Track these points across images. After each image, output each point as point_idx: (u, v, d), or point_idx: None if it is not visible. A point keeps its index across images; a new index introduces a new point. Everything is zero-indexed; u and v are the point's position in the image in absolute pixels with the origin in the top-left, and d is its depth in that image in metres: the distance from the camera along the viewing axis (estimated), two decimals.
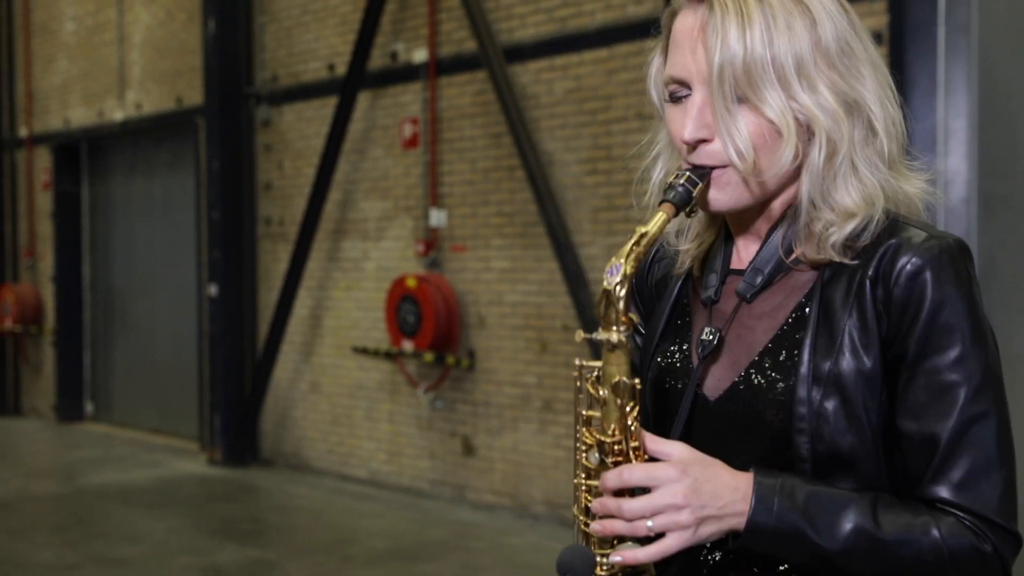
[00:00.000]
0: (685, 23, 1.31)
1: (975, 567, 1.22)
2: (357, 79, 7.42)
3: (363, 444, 7.83)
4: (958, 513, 1.22)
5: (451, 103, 7.13)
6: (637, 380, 1.24)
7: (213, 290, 8.46)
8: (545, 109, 6.49)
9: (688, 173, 1.28)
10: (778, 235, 1.33)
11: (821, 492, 1.23)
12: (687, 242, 1.43)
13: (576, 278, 6.16)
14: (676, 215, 1.27)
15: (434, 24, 7.17)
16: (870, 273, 1.26)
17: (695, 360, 1.37)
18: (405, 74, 7.37)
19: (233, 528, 6.63)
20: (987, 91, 4.82)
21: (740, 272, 1.36)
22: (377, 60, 7.49)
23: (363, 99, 7.60)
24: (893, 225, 1.27)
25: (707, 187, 1.29)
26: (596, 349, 1.31)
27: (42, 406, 11.15)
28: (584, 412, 1.29)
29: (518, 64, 6.60)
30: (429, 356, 7.04)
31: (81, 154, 10.94)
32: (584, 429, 1.28)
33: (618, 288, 1.22)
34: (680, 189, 1.27)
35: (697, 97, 1.28)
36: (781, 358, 1.30)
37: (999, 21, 4.83)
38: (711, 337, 1.35)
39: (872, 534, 1.21)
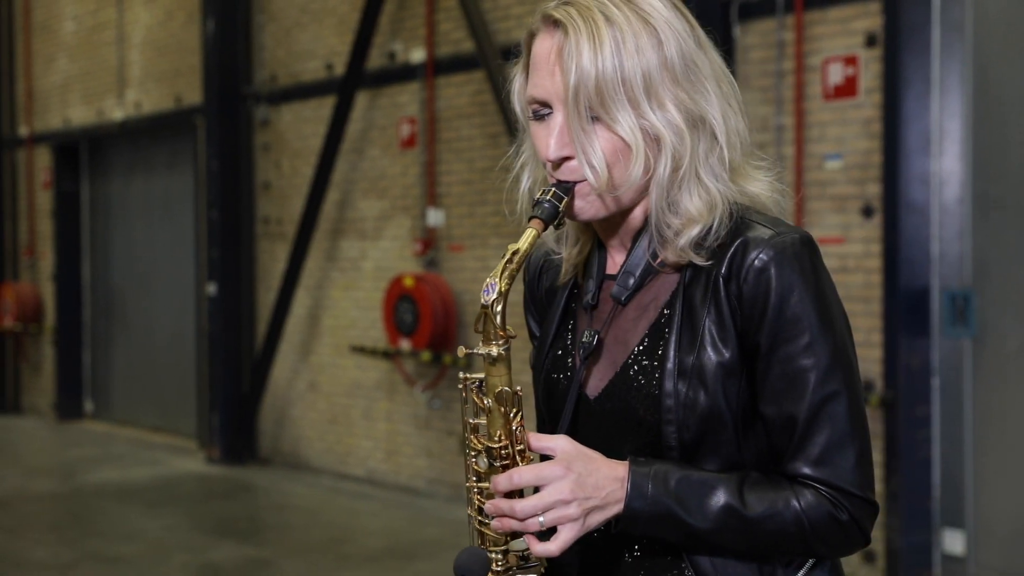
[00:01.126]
0: (543, 46, 1.38)
1: (835, 534, 1.33)
2: (355, 79, 7.43)
3: (360, 443, 7.84)
4: (817, 486, 1.32)
5: (449, 103, 7.14)
6: (519, 388, 1.34)
7: (212, 289, 8.47)
8: None
9: (553, 188, 1.36)
10: (644, 240, 1.41)
11: (691, 475, 1.33)
12: (567, 248, 1.51)
13: None
14: (545, 229, 1.35)
15: (432, 24, 7.18)
16: (723, 271, 1.35)
17: (578, 362, 1.45)
18: (403, 74, 7.38)
19: (230, 526, 6.64)
20: (981, 92, 4.82)
21: (614, 277, 1.45)
22: (375, 60, 7.50)
23: (361, 99, 7.61)
24: (741, 224, 1.36)
25: (572, 199, 1.37)
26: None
27: (42, 404, 11.17)
28: (471, 420, 1.37)
29: (516, 64, 6.59)
30: (426, 355, 7.05)
31: (81, 153, 10.94)
32: (472, 436, 1.37)
33: (495, 305, 1.32)
34: (547, 205, 1.36)
35: (558, 117, 1.36)
36: (651, 355, 1.39)
37: (993, 22, 4.83)
38: (590, 339, 1.43)
39: (739, 511, 1.31)
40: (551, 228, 1.38)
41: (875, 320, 4.98)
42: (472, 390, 1.37)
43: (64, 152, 10.91)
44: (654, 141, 1.35)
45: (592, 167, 1.35)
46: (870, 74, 5.02)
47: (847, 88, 5.09)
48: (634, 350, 1.41)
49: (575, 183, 1.37)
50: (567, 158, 1.37)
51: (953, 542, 4.92)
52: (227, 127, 8.44)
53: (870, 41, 5.00)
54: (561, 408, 1.47)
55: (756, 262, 1.33)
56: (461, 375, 1.39)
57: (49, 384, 11.02)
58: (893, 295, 4.89)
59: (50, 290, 11.02)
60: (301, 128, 8.21)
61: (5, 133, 11.51)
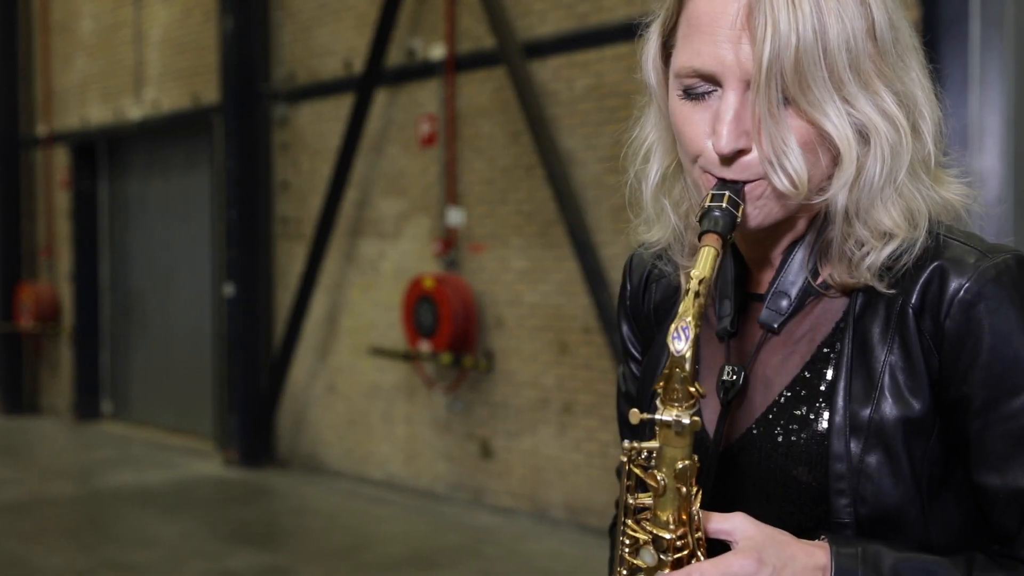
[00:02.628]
0: (718, 2, 1.07)
1: None
2: (374, 76, 7.33)
3: (379, 446, 7.73)
4: None
5: (469, 100, 7.02)
6: (696, 457, 1.04)
7: (229, 290, 8.38)
8: (565, 106, 6.37)
9: (727, 193, 1.06)
10: (801, 252, 1.13)
11: (910, 560, 1.06)
12: (685, 259, 1.21)
13: (596, 278, 6.04)
14: (725, 246, 1.05)
15: (452, 20, 7.06)
16: (913, 302, 1.07)
17: (707, 404, 1.17)
18: (423, 71, 7.26)
19: (247, 532, 6.54)
20: (1022, 87, 4.67)
21: (759, 297, 1.16)
22: (394, 57, 7.39)
23: (380, 96, 7.50)
24: (936, 243, 1.08)
25: (745, 205, 1.08)
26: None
27: (60, 405, 11.12)
28: (632, 501, 1.07)
29: (537, 60, 6.48)
30: (447, 357, 6.93)
31: (99, 153, 10.88)
32: (630, 522, 1.07)
33: (686, 355, 1.00)
34: (719, 214, 1.05)
35: (731, 97, 1.06)
36: (806, 403, 1.11)
37: None
38: (734, 377, 1.15)
39: None
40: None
41: None
42: (637, 462, 1.06)
43: (82, 152, 10.86)
44: (861, 133, 1.06)
45: (784, 167, 1.04)
46: None
47: None
48: (783, 393, 1.13)
49: (744, 182, 1.07)
50: (742, 152, 1.06)
51: None
52: (245, 126, 8.35)
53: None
54: None
55: (963, 292, 1.05)
56: (626, 444, 1.06)
57: (67, 385, 10.97)
58: None
59: (68, 290, 10.96)
60: (320, 126, 8.11)
61: (23, 133, 11.46)
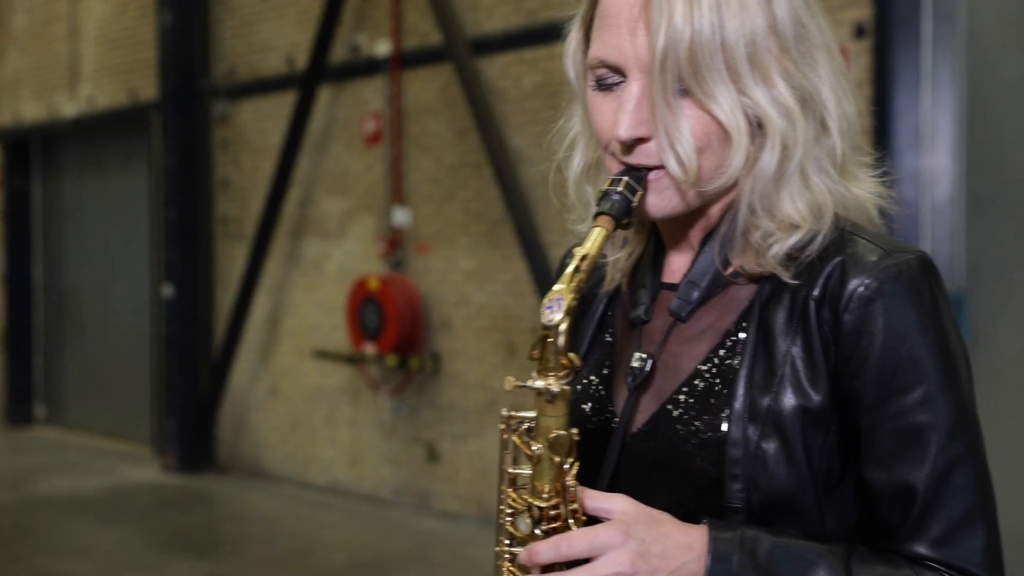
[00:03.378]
0: None
1: None
2: (318, 73, 7.19)
3: (323, 450, 7.58)
4: (941, 569, 1.08)
5: (415, 98, 6.91)
6: (575, 431, 1.07)
7: (168, 291, 8.20)
8: (513, 104, 6.28)
9: (625, 178, 1.11)
10: (715, 244, 1.16)
11: (787, 546, 1.07)
12: (615, 252, 1.25)
13: (545, 278, 5.95)
14: (616, 229, 1.10)
15: (397, 16, 6.94)
16: (815, 293, 1.09)
17: (617, 390, 1.20)
18: (367, 67, 7.13)
19: (186, 540, 6.36)
20: (974, 86, 4.67)
21: (673, 287, 1.20)
22: (338, 53, 7.25)
23: (324, 93, 7.37)
24: (842, 237, 1.11)
25: (645, 192, 1.12)
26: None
27: None
28: (510, 470, 1.11)
29: (485, 57, 6.39)
30: (392, 360, 6.81)
31: (32, 150, 10.61)
32: (511, 491, 1.11)
33: (559, 326, 1.04)
34: (617, 198, 1.10)
35: (634, 87, 1.11)
36: (710, 389, 1.13)
37: (987, 13, 4.69)
38: (642, 364, 1.18)
39: None
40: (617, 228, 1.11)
41: None
42: (517, 432, 1.10)
43: (14, 149, 10.58)
44: (755, 124, 1.10)
45: (676, 153, 1.09)
46: (859, 67, 4.87)
47: None
48: (687, 380, 1.15)
49: (648, 169, 1.12)
50: (642, 140, 1.11)
51: None
52: (184, 123, 8.18)
53: (859, 32, 4.87)
54: (591, 444, 1.19)
55: (862, 288, 1.07)
56: (504, 412, 1.11)
57: None
58: None
59: (0, 292, 10.67)
60: (261, 124, 7.95)
61: None
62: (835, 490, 1.11)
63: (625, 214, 1.10)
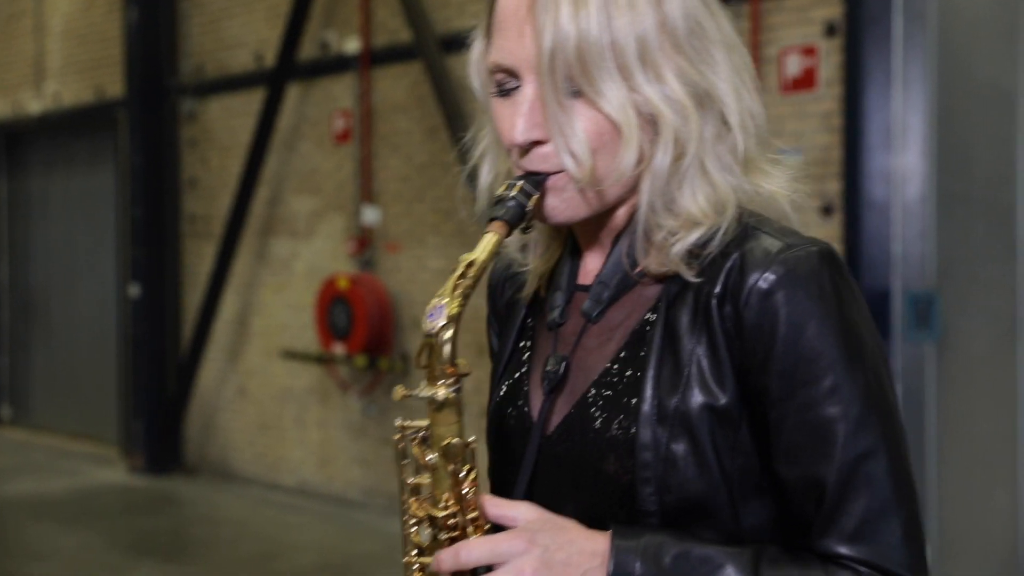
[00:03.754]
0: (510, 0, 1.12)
1: None
2: (286, 70, 7.11)
3: (292, 451, 7.51)
4: (855, 567, 1.06)
5: (385, 95, 6.85)
6: (472, 439, 1.08)
7: (135, 290, 8.11)
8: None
9: (520, 183, 1.10)
10: (623, 245, 1.16)
11: (692, 552, 1.06)
12: (535, 258, 1.25)
13: None
14: (509, 234, 1.10)
15: (367, 13, 6.87)
16: (717, 290, 1.09)
17: (533, 393, 1.19)
18: (337, 65, 7.06)
19: (152, 543, 6.28)
20: (945, 85, 4.67)
21: (587, 288, 1.19)
22: (307, 50, 7.18)
23: (293, 91, 7.29)
24: (744, 233, 1.10)
25: (543, 196, 1.11)
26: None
27: None
28: (410, 480, 1.11)
29: (455, 55, 6.33)
30: (361, 360, 6.74)
31: None
32: (411, 501, 1.11)
33: (442, 333, 1.04)
34: (511, 204, 1.09)
35: (528, 90, 1.10)
36: (618, 390, 1.12)
37: (958, 11, 4.69)
38: (556, 367, 1.17)
39: None
40: (517, 233, 1.11)
41: None
42: (412, 442, 1.09)
43: None
44: (649, 122, 1.09)
45: (572, 153, 1.08)
46: (830, 66, 4.86)
47: (805, 80, 4.93)
48: (597, 380, 1.14)
49: (548, 174, 1.10)
50: (538, 142, 1.10)
51: None
52: (151, 121, 8.09)
53: (830, 31, 4.86)
54: (515, 449, 1.18)
55: (761, 282, 1.06)
56: (398, 422, 1.11)
57: None
58: None
59: None
60: (229, 122, 7.87)
61: None
62: (751, 489, 1.09)
63: (519, 219, 1.09)
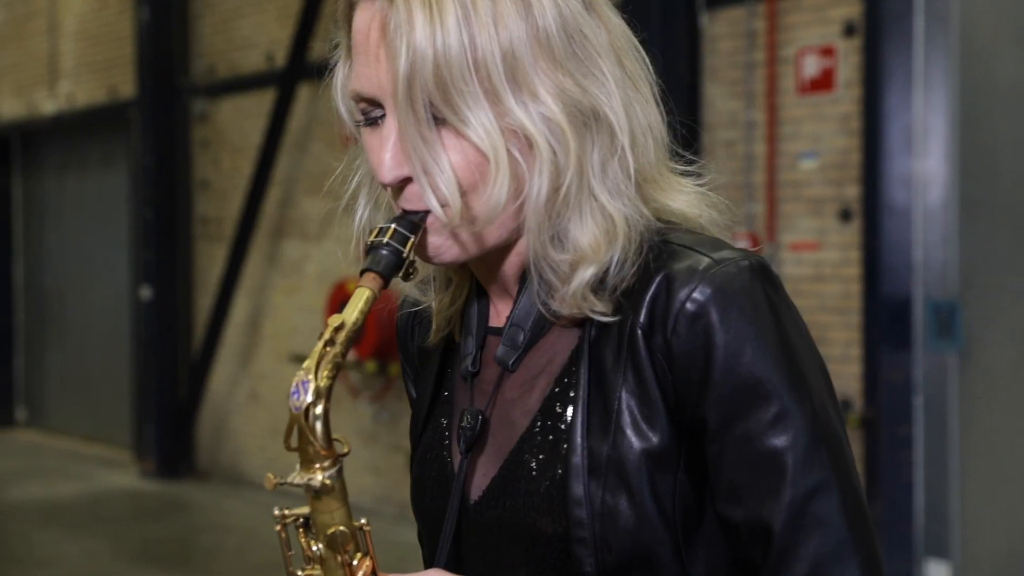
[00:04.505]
0: (363, 20, 0.99)
1: None
2: (297, 70, 7.04)
3: None
4: None
5: None
6: (363, 521, 0.96)
7: (147, 293, 8.05)
8: None
9: (394, 226, 0.98)
10: (532, 282, 1.02)
11: None
12: (435, 294, 1.11)
13: None
14: (385, 287, 0.97)
15: None
16: (641, 320, 0.97)
17: (455, 451, 1.07)
18: None
19: (158, 550, 6.21)
20: (968, 86, 4.55)
21: (499, 331, 1.06)
22: (319, 50, 7.09)
23: (304, 91, 7.21)
24: (663, 253, 0.98)
25: (425, 237, 0.99)
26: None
27: None
28: (300, 573, 0.99)
29: None
30: (372, 365, 6.66)
31: (12, 148, 10.45)
32: None
33: (311, 410, 0.91)
34: (385, 252, 0.97)
35: (391, 121, 0.98)
36: (546, 444, 1.00)
37: (981, 10, 4.58)
38: (472, 421, 1.05)
39: None
40: (400, 280, 0.99)
41: (853, 333, 4.71)
42: (297, 531, 0.98)
43: None
44: (526, 149, 0.96)
45: (436, 190, 0.95)
46: (848, 66, 4.75)
47: (823, 81, 4.82)
48: (522, 436, 1.02)
49: (425, 213, 0.98)
50: (409, 179, 0.98)
51: (937, 574, 4.65)
52: (163, 121, 8.04)
53: (848, 31, 4.75)
54: (436, 519, 1.06)
55: (689, 304, 0.95)
56: (276, 511, 1.00)
57: None
58: (873, 306, 4.64)
59: None
60: (241, 123, 7.80)
61: None
62: (697, 536, 0.99)
63: (394, 268, 0.96)
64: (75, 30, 9.29)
